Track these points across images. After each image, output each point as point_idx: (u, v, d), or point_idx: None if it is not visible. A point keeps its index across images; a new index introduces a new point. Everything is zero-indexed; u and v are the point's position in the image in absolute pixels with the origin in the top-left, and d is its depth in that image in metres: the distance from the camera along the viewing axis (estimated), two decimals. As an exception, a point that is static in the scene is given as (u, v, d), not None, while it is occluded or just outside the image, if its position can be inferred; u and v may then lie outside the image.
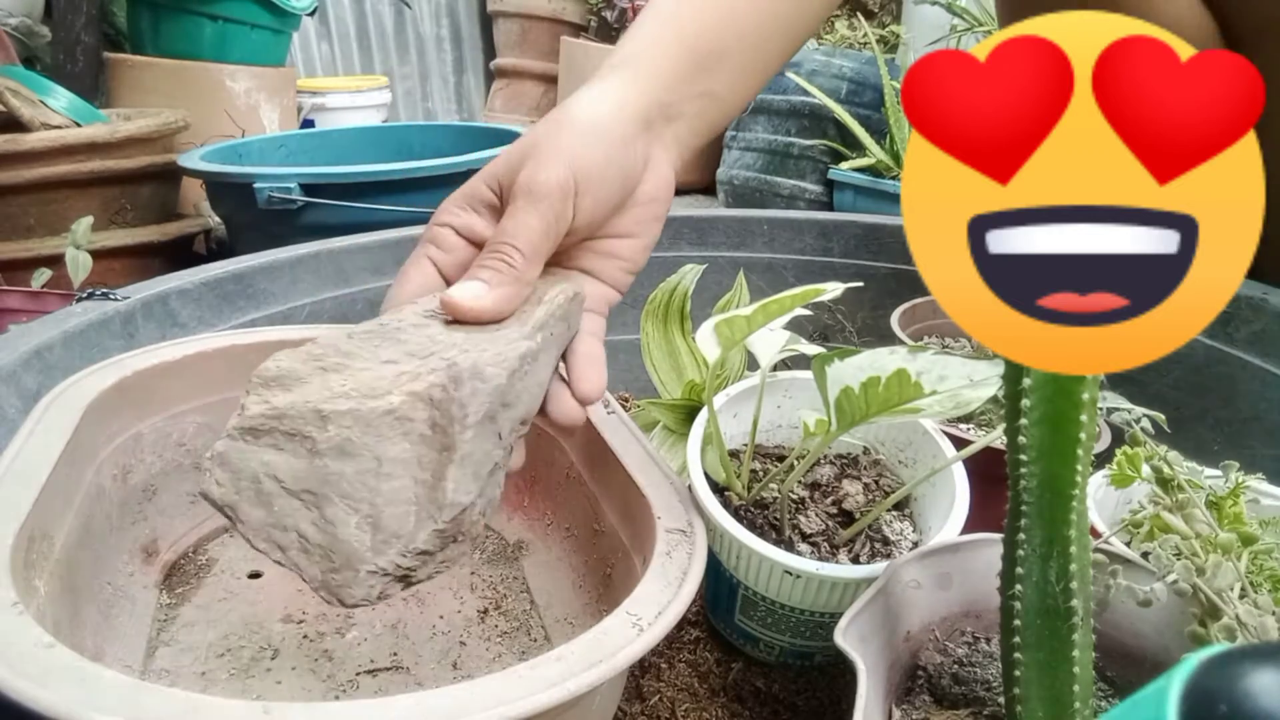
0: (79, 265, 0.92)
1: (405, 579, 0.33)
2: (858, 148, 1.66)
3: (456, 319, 0.38)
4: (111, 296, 0.60)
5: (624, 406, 0.63)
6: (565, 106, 0.44)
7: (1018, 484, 0.30)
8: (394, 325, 0.38)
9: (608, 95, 0.45)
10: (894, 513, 0.50)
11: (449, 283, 0.42)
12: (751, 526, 0.46)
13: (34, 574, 0.37)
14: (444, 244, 0.43)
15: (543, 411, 0.41)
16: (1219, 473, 0.42)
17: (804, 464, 0.47)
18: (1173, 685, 0.18)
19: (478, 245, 0.42)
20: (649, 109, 0.46)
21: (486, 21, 2.80)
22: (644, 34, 0.48)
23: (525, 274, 0.40)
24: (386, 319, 0.38)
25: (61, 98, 1.26)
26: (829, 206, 1.71)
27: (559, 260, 0.45)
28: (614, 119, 0.44)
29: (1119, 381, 0.57)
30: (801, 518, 0.47)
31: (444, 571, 0.34)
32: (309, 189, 1.03)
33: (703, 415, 0.49)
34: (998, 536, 0.38)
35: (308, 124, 1.95)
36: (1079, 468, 0.29)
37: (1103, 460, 0.45)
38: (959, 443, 0.50)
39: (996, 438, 0.47)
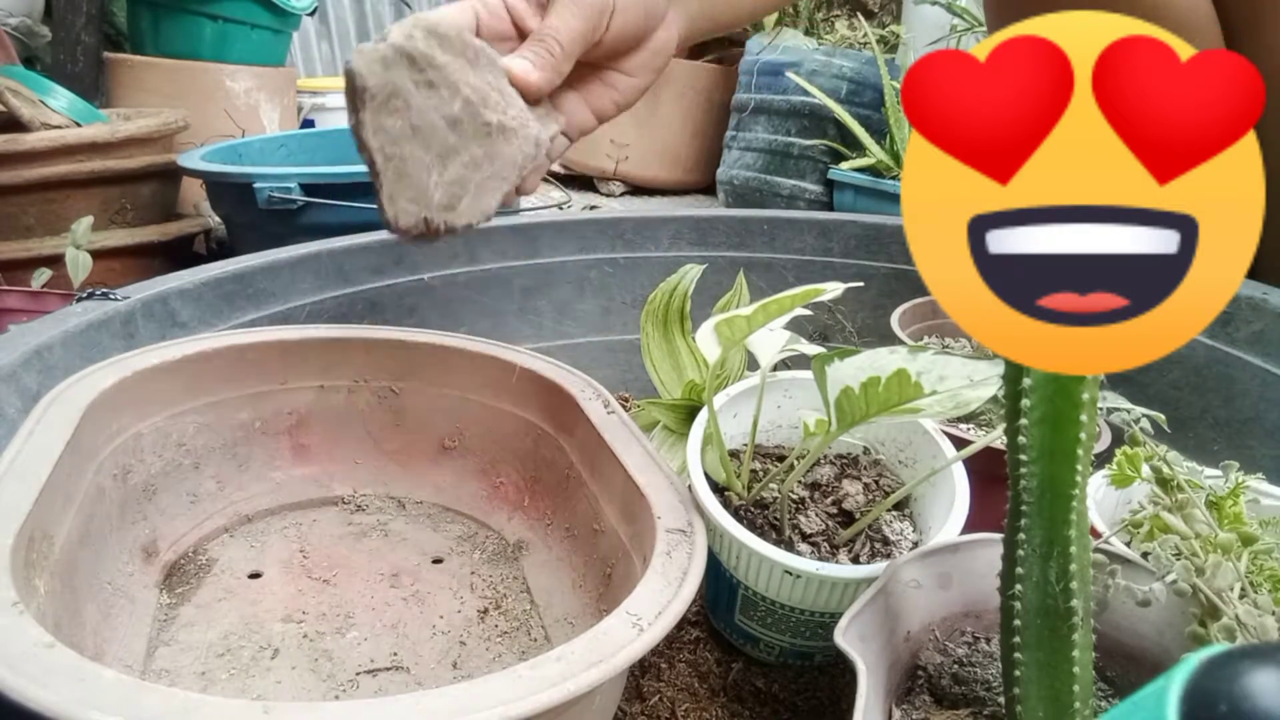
0: (79, 265, 0.92)
1: (426, 236, 0.43)
2: (858, 148, 1.66)
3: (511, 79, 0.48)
4: (111, 296, 0.60)
5: (624, 406, 0.63)
6: None
7: (1018, 484, 0.30)
8: (488, 54, 0.47)
9: None
10: (894, 513, 0.50)
11: (479, 33, 0.50)
12: (751, 526, 0.46)
13: (34, 573, 0.37)
14: (490, 6, 0.50)
15: None
16: (1219, 473, 0.42)
17: (804, 464, 0.47)
18: (1173, 685, 0.18)
19: (514, 23, 0.51)
20: None
21: (486, 21, 2.80)
22: None
23: (561, 65, 0.49)
24: (475, 41, 0.46)
25: (61, 98, 1.26)
26: (829, 206, 1.71)
27: (576, 77, 0.53)
28: None
29: (1119, 381, 0.57)
30: (801, 518, 0.47)
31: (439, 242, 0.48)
32: (309, 189, 1.03)
33: (703, 415, 0.49)
34: (998, 536, 0.38)
35: (308, 124, 1.94)
36: (1079, 468, 0.29)
37: (1103, 460, 0.45)
38: (959, 443, 0.50)
39: (996, 438, 0.47)
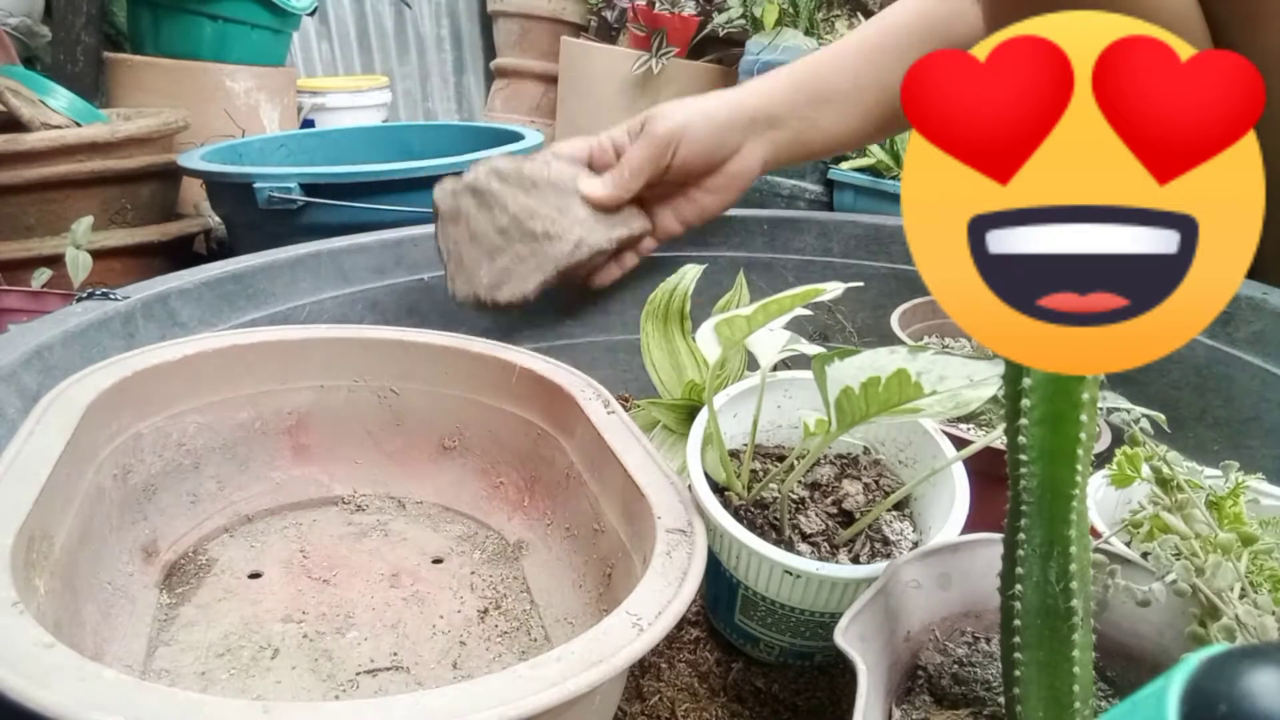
0: (79, 265, 0.92)
1: (477, 307, 0.65)
2: (858, 148, 1.65)
3: (584, 197, 0.67)
4: (111, 296, 0.60)
5: (624, 406, 0.63)
6: (698, 96, 0.70)
7: (1018, 484, 0.30)
8: (554, 185, 0.66)
9: (728, 96, 0.70)
10: (894, 513, 0.50)
11: (592, 165, 0.70)
12: (751, 526, 0.46)
13: (34, 573, 0.37)
14: (604, 146, 0.69)
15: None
16: (1219, 473, 0.42)
17: (804, 464, 0.47)
18: (1172, 685, 0.18)
19: (616, 154, 0.69)
20: (755, 114, 0.69)
21: (486, 21, 2.80)
22: (769, 77, 0.73)
23: (629, 184, 0.67)
24: (557, 170, 0.67)
25: (61, 98, 1.26)
26: (829, 206, 1.71)
27: (664, 194, 0.71)
28: (726, 113, 0.69)
29: (1119, 381, 0.57)
30: (801, 518, 0.47)
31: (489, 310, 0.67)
32: (309, 189, 1.03)
33: (703, 415, 0.49)
34: (998, 536, 0.38)
35: (308, 124, 1.95)
36: (1079, 468, 0.29)
37: (1103, 460, 0.45)
38: (959, 443, 0.50)
39: (996, 438, 0.47)
